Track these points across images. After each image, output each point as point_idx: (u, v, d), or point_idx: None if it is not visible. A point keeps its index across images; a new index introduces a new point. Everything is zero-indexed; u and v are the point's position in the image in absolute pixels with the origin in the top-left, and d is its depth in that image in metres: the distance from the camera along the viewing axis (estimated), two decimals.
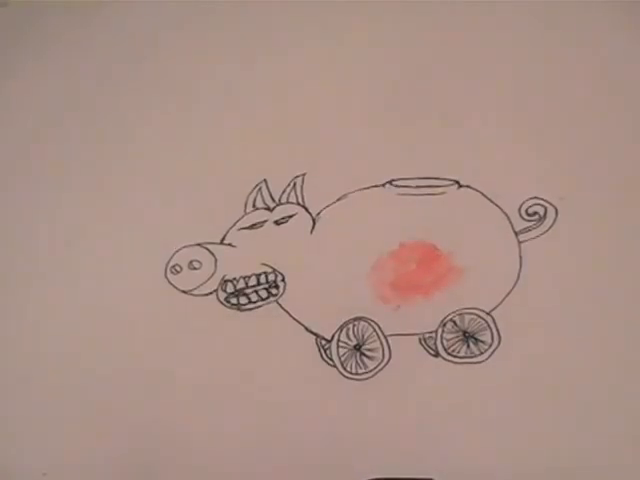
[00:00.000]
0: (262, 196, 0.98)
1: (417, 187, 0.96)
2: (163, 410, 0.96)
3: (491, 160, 0.96)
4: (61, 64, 1.05)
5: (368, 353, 0.94)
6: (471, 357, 0.93)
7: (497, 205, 0.94)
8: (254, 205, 0.98)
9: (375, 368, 0.94)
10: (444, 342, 0.93)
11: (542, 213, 0.94)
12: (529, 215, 0.94)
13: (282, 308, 0.96)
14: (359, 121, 0.99)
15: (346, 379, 0.94)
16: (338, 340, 0.95)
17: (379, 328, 0.94)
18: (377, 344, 0.94)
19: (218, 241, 0.98)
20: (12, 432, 0.98)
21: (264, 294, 0.96)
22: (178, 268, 0.97)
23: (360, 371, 0.94)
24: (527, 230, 0.94)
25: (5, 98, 1.05)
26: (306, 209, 0.98)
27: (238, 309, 0.96)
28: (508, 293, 0.93)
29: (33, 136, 1.04)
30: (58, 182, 1.02)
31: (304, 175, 0.98)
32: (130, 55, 1.05)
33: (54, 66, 1.05)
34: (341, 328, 0.95)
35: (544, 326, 0.92)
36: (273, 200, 0.98)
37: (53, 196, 1.02)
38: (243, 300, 0.96)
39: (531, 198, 0.94)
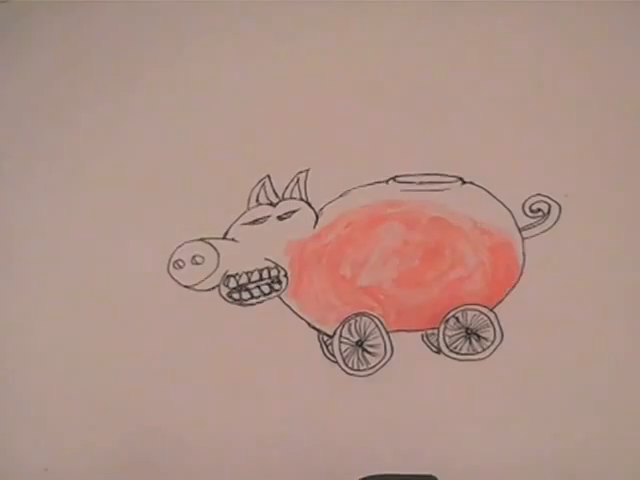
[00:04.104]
0: (265, 191, 0.98)
1: (421, 183, 0.96)
2: (164, 405, 0.96)
3: (495, 157, 0.96)
4: (63, 60, 1.06)
5: (370, 349, 0.94)
6: (473, 354, 0.92)
7: (501, 201, 0.94)
8: (257, 200, 0.98)
9: (377, 364, 0.93)
10: (446, 339, 0.93)
11: (546, 210, 0.94)
12: (533, 212, 0.94)
13: (284, 303, 0.96)
14: (363, 118, 0.99)
15: (348, 375, 0.94)
16: (340, 336, 0.94)
17: (381, 324, 0.94)
18: (379, 340, 0.94)
19: (221, 236, 0.98)
20: (15, 429, 0.98)
21: (266, 289, 0.96)
22: (181, 263, 0.97)
23: (362, 367, 0.94)
24: (531, 227, 0.94)
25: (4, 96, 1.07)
26: (309, 205, 0.98)
27: (240, 304, 0.96)
28: (511, 289, 0.93)
29: (32, 133, 1.05)
30: (61, 180, 1.03)
31: (308, 171, 0.98)
32: (134, 52, 1.06)
33: (56, 63, 1.06)
34: (343, 324, 0.94)
35: (546, 323, 0.91)
36: (276, 195, 0.98)
37: (56, 192, 1.03)
38: (245, 295, 0.96)
39: (535, 195, 0.94)
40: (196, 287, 0.97)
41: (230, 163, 1.00)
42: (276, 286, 0.96)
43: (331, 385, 0.94)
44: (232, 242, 0.97)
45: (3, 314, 1.00)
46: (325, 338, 0.95)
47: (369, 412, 0.93)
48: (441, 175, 0.96)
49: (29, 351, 0.99)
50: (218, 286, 0.97)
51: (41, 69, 1.06)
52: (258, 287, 0.96)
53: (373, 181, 0.97)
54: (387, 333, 0.94)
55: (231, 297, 0.96)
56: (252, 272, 0.96)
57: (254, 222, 0.98)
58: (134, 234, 1.00)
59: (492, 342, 0.92)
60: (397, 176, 0.97)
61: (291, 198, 0.98)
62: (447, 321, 0.93)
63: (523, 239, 0.94)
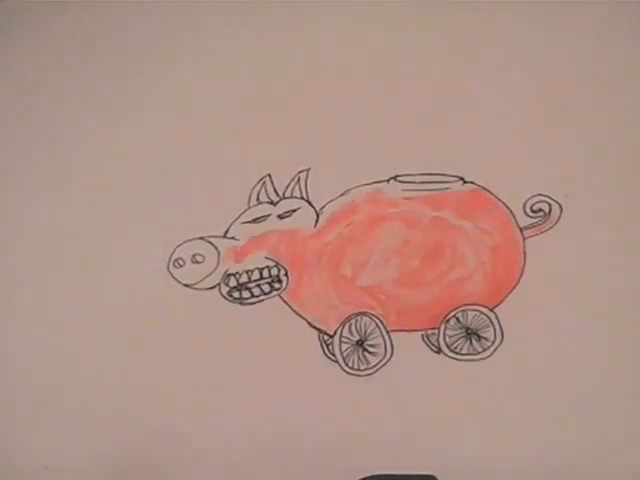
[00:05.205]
0: (266, 190, 0.98)
1: (421, 183, 0.96)
2: (163, 404, 0.96)
3: (496, 156, 0.96)
4: (61, 59, 1.06)
5: (370, 349, 0.94)
6: (474, 354, 0.92)
7: (502, 201, 0.94)
8: (258, 199, 0.98)
9: (377, 364, 0.93)
10: (447, 339, 0.93)
11: (547, 210, 0.94)
12: (534, 212, 0.94)
13: (285, 302, 0.96)
14: (363, 118, 0.99)
15: (348, 375, 0.93)
16: (341, 335, 0.94)
17: (382, 323, 0.94)
18: (380, 340, 0.94)
19: (221, 235, 0.98)
20: (15, 428, 0.98)
21: (267, 288, 0.96)
22: (181, 262, 0.97)
23: (362, 367, 0.93)
24: (532, 226, 0.94)
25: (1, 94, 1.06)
26: (310, 204, 0.98)
27: (240, 303, 0.96)
28: (512, 290, 0.92)
29: (30, 132, 1.04)
30: (61, 179, 1.03)
31: (308, 170, 0.98)
32: (133, 52, 1.05)
33: (54, 61, 1.06)
34: (344, 323, 0.94)
35: (547, 323, 0.92)
36: (277, 194, 0.98)
37: (56, 192, 1.02)
38: (245, 294, 0.96)
39: (536, 195, 0.94)
40: (196, 286, 0.97)
41: (231, 162, 1.00)
42: (276, 285, 0.96)
43: (331, 385, 0.94)
44: (232, 241, 0.97)
45: (4, 314, 1.00)
46: (325, 337, 0.95)
47: (369, 412, 0.93)
48: (442, 175, 0.96)
49: (29, 351, 0.99)
50: (218, 285, 0.96)
51: (39, 68, 1.06)
52: (258, 286, 0.96)
53: (374, 180, 0.97)
54: (387, 333, 0.94)
55: (231, 296, 0.96)
56: (252, 271, 0.96)
57: (255, 221, 0.97)
58: (134, 233, 1.00)
59: (492, 342, 0.92)
60: (398, 175, 0.97)
61: (292, 197, 0.98)
62: (447, 321, 0.93)
63: (524, 239, 0.94)
